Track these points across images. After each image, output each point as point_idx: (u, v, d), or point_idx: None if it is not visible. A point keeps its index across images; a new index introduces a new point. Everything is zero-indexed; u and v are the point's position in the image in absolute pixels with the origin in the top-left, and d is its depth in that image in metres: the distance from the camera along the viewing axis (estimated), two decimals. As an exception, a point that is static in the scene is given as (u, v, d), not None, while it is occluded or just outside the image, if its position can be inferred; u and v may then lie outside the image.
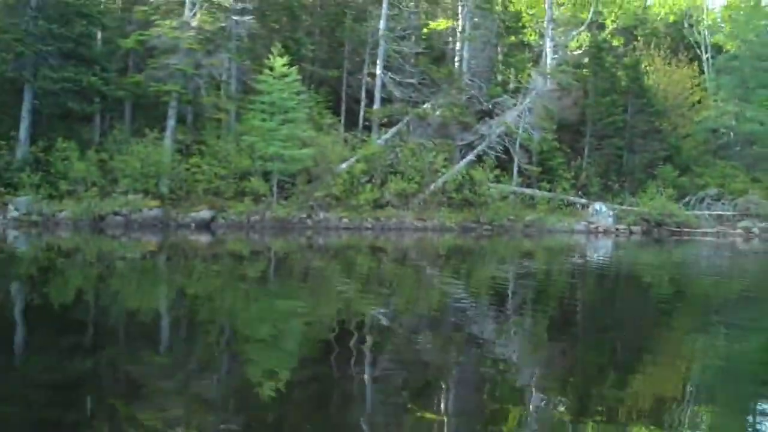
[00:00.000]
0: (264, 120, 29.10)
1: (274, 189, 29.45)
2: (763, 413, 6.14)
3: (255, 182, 28.96)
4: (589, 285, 16.62)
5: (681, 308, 13.14)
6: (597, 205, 34.58)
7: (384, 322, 10.62)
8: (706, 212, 36.19)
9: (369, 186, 31.14)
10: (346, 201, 30.47)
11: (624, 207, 35.16)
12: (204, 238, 24.89)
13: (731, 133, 42.11)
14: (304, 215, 29.48)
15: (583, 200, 35.38)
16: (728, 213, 36.27)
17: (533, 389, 6.88)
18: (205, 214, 28.04)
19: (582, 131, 38.95)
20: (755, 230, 35.14)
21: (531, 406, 6.30)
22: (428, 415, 5.89)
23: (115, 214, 26.86)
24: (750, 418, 6.05)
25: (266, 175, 29.51)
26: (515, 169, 34.89)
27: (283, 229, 28.24)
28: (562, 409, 6.17)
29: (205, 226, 27.66)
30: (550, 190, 34.90)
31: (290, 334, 9.59)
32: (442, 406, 6.37)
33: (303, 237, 26.76)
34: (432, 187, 32.09)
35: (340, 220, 29.88)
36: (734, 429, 5.81)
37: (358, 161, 31.39)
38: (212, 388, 6.57)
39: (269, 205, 29.11)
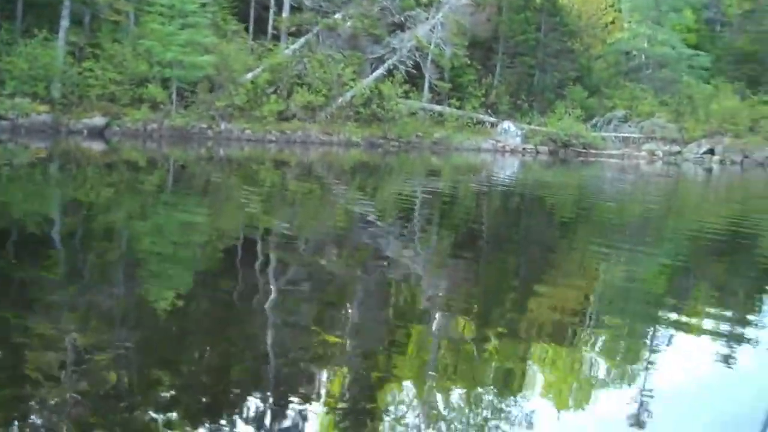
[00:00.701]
0: (163, 24, 28.33)
1: (173, 97, 28.91)
2: (660, 334, 6.53)
3: (153, 89, 28.34)
4: (494, 204, 17.18)
5: (584, 229, 13.72)
6: (505, 124, 35.34)
7: (287, 237, 10.74)
8: (613, 134, 37.49)
9: (274, 97, 30.93)
10: (249, 112, 30.21)
11: (532, 126, 36.05)
12: (97, 146, 24.36)
13: (642, 56, 43.29)
14: (205, 125, 29.15)
15: (492, 118, 36.07)
16: (634, 135, 37.65)
17: (437, 308, 7.12)
18: (98, 120, 27.38)
19: (494, 48, 39.40)
20: (659, 153, 36.70)
21: (435, 325, 6.52)
22: (331, 335, 6.01)
23: (1, 118, 25.91)
24: (648, 339, 6.41)
25: (165, 82, 28.90)
26: (425, 85, 35.15)
27: (182, 139, 27.87)
28: (465, 327, 6.45)
29: (98, 133, 27.04)
30: (459, 108, 35.40)
31: (189, 248, 9.49)
32: (346, 325, 6.44)
33: (203, 148, 26.50)
34: (339, 100, 32.09)
35: (242, 132, 29.68)
36: (632, 348, 6.18)
37: (263, 71, 31.02)
38: (107, 302, 6.50)
39: (168, 114, 28.62)
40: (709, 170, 33.50)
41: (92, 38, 29.28)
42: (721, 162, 36.33)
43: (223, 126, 29.40)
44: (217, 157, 24.58)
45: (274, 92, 31.17)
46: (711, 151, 37.25)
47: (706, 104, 40.39)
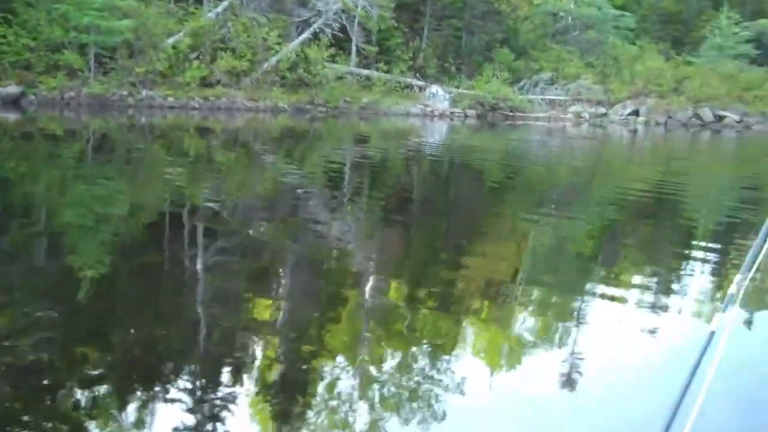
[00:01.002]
0: (78, -14, 27.54)
1: (92, 63, 28.22)
2: (588, 296, 6.72)
3: (69, 56, 27.61)
4: (423, 170, 17.38)
5: (513, 194, 14.00)
6: (434, 88, 35.57)
7: (215, 206, 10.62)
8: (540, 97, 38.08)
9: (197, 63, 30.46)
10: (171, 78, 29.71)
11: (460, 90, 36.36)
12: (12, 116, 23.71)
13: (569, 17, 43.91)
14: (125, 92, 28.58)
15: (420, 82, 36.24)
16: (560, 98, 38.32)
17: (369, 273, 7.22)
18: (12, 89, 26.57)
19: (421, 10, 39.43)
20: (585, 115, 37.46)
21: (367, 290, 6.61)
22: (264, 302, 6.07)
23: None
24: (577, 301, 6.61)
25: (82, 48, 28.17)
26: (353, 49, 35.05)
27: (102, 107, 27.29)
28: (397, 292, 6.56)
29: (12, 102, 26.26)
30: (387, 72, 35.45)
31: (112, 220, 9.34)
32: (278, 292, 6.50)
33: (124, 116, 26.02)
34: (265, 65, 31.79)
35: (164, 99, 29.19)
36: (562, 310, 6.36)
37: (185, 36, 30.48)
38: (29, 275, 6.44)
39: (86, 81, 27.95)
40: (634, 132, 34.36)
41: (4, 3, 28.30)
42: (646, 123, 37.30)
43: (144, 93, 28.87)
44: (138, 126, 24.18)
45: (197, 58, 30.69)
46: (636, 113, 38.19)
47: (631, 65, 41.32)
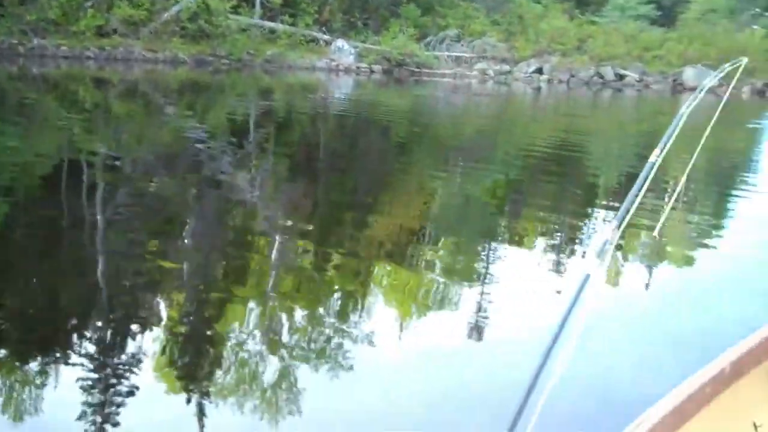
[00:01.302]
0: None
1: (-23, 9, 26.92)
2: (495, 250, 6.90)
3: (-48, 0, 26.27)
4: (329, 126, 17.35)
5: (419, 150, 14.15)
6: (339, 42, 35.32)
7: (113, 161, 10.42)
8: (446, 53, 38.32)
9: (92, 11, 29.36)
10: (64, 27, 28.61)
11: (366, 45, 36.22)
12: None
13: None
14: (15, 41, 27.38)
15: (326, 36, 35.93)
16: (466, 55, 38.64)
17: (275, 230, 7.20)
18: None
19: (327, -38, 38.98)
20: (490, 72, 37.91)
21: (273, 248, 6.61)
22: (166, 261, 5.98)
23: None
24: (484, 255, 6.80)
25: (-34, -8, 26.83)
26: (257, 1, 34.39)
27: (-10, 56, 26.14)
28: (304, 249, 6.58)
29: None
30: (292, 25, 35.00)
31: (4, 174, 9.14)
32: (181, 251, 6.42)
33: (14, 66, 24.99)
34: (164, 15, 30.90)
35: (57, 48, 28.11)
36: (470, 264, 6.53)
37: (78, -19, 29.33)
38: None
39: (-29, 28, 26.66)
40: (538, 89, 35.03)
41: None
42: (549, 81, 38.03)
43: (35, 42, 27.72)
44: (30, 76, 23.28)
45: (92, 6, 29.59)
46: (539, 71, 38.87)
47: (536, 24, 41.95)
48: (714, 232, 8.13)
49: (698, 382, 2.30)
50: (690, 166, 3.43)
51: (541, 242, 7.32)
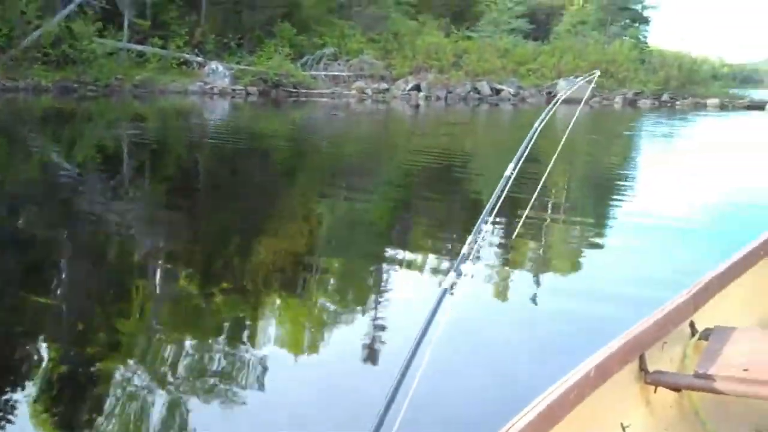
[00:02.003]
0: None
1: None
2: (385, 270, 6.90)
3: None
4: (206, 151, 17.02)
5: (303, 172, 14.03)
6: (213, 64, 35.03)
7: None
8: (323, 73, 38.51)
9: (-56, 38, 28.25)
10: None
11: (241, 66, 36.03)
12: None
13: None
14: None
15: (199, 59, 35.56)
16: (344, 74, 38.94)
17: (156, 263, 6.99)
18: None
19: (198, -17, 38.62)
20: (368, 91, 38.30)
21: (155, 281, 6.42)
22: (42, 298, 5.79)
23: None
24: (374, 276, 6.80)
25: None
26: (124, 23, 33.74)
27: None
28: (187, 281, 6.40)
29: None
30: (162, 47, 34.49)
31: None
32: (57, 287, 6.17)
33: None
34: (25, 41, 29.94)
35: None
36: (360, 286, 6.49)
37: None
38: None
39: None
40: (416, 107, 35.55)
41: None
42: (427, 98, 38.70)
43: None
44: None
45: (-56, 32, 28.48)
46: (417, 88, 39.51)
47: (412, 41, 42.70)
48: (580, 240, 8.40)
49: (564, 387, 2.31)
50: (545, 176, 3.54)
51: (431, 261, 7.38)
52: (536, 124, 2.96)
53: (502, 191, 2.55)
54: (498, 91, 40.96)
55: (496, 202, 2.51)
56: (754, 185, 12.35)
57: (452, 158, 16.49)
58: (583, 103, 4.36)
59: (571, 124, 3.84)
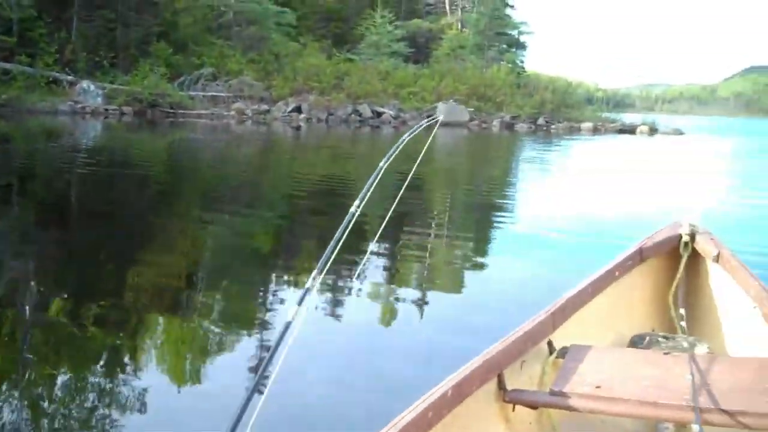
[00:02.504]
0: None
1: None
2: (270, 293, 6.74)
3: None
4: (76, 171, 16.35)
5: (182, 195, 13.65)
6: (85, 83, 33.95)
7: None
8: (201, 93, 37.88)
9: None
10: None
11: (115, 86, 35.06)
12: None
13: (231, 12, 44.15)
14: None
15: (70, 77, 34.39)
16: (223, 94, 38.42)
17: (26, 291, 6.62)
18: None
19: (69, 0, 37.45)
20: (248, 112, 37.92)
21: (26, 310, 6.08)
22: None
23: None
24: (260, 297, 6.62)
25: None
26: (-12, 40, 32.37)
27: None
28: (61, 308, 6.10)
29: None
30: (30, 65, 33.18)
31: None
32: None
33: None
34: None
35: None
36: (247, 309, 6.31)
37: None
38: None
39: None
40: (298, 128, 35.35)
41: None
42: (308, 120, 38.62)
43: None
44: None
45: None
46: (298, 109, 39.40)
47: (293, 62, 42.62)
48: (456, 260, 8.41)
49: (421, 408, 2.29)
50: (396, 201, 3.48)
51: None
52: (381, 163, 2.99)
53: (347, 227, 2.57)
54: (379, 114, 41.26)
55: (340, 237, 2.52)
56: (620, 208, 12.72)
57: (332, 182, 16.39)
58: (432, 134, 4.42)
59: (423, 150, 3.85)
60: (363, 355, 5.35)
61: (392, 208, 3.46)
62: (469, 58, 51.30)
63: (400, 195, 3.54)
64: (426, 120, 4.07)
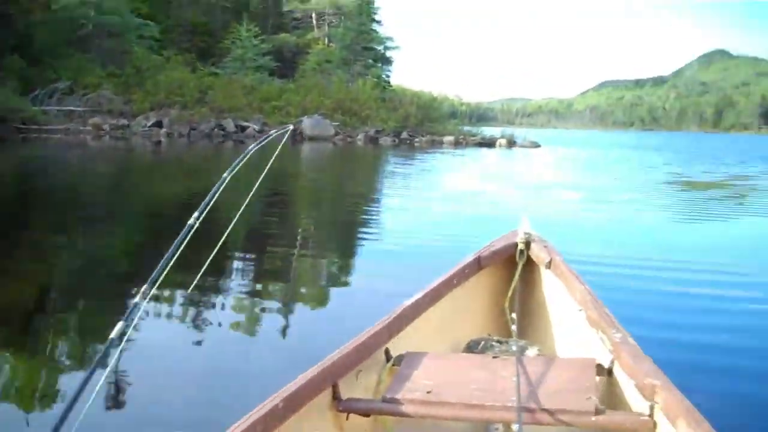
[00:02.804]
0: None
1: None
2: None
3: None
4: None
5: (41, 209, 13.13)
6: (-72, 98, 32.47)
7: None
8: (56, 108, 36.77)
9: None
10: None
11: (-39, 101, 33.67)
12: None
13: (91, 25, 43.04)
14: None
15: None
16: (79, 109, 37.40)
17: None
18: None
19: None
20: (106, 127, 37.02)
21: None
22: None
23: None
24: (119, 314, 6.36)
25: None
26: None
27: None
28: None
29: None
30: None
31: None
32: None
33: None
34: None
35: None
36: (104, 326, 6.10)
37: None
38: None
39: None
40: (158, 143, 34.70)
41: None
42: (169, 135, 38.00)
43: None
44: None
45: None
46: (159, 124, 38.74)
47: (155, 76, 41.90)
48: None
49: (249, 422, 2.28)
50: (239, 213, 3.48)
51: (179, 301, 7.07)
52: (225, 174, 3.04)
53: (183, 240, 2.61)
54: (243, 128, 41.06)
55: (175, 251, 2.55)
56: (470, 218, 13.10)
57: (183, 197, 16.21)
58: (283, 142, 4.40)
59: (273, 157, 3.81)
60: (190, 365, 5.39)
61: (234, 220, 3.44)
62: (336, 73, 51.69)
63: (246, 203, 3.53)
64: (275, 130, 4.10)
